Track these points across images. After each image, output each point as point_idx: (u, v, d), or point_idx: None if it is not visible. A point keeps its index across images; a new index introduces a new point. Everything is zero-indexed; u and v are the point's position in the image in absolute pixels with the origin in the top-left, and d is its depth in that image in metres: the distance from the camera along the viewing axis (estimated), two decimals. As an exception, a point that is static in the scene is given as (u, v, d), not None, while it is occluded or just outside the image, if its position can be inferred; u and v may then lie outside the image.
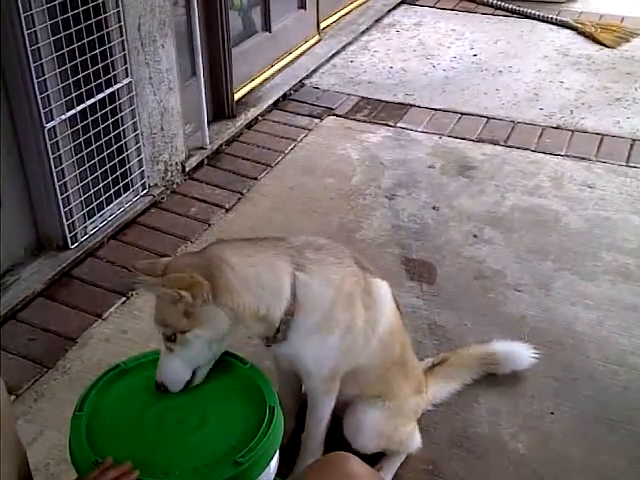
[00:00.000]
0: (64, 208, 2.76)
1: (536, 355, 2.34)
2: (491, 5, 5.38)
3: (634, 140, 3.72)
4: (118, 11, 2.78)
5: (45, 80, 2.56)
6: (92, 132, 2.82)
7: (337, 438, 1.97)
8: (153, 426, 1.50)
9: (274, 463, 1.51)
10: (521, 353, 2.35)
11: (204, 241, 3.02)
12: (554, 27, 5.08)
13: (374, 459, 2.02)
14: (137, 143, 3.06)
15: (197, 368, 1.59)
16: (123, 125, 2.97)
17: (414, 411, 2.08)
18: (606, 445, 2.18)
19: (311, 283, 1.65)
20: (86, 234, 2.90)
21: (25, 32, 2.44)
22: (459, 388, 2.30)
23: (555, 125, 3.88)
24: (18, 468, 1.33)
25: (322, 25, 4.76)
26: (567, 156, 3.62)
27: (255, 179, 3.44)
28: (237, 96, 3.88)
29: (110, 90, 2.85)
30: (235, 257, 1.60)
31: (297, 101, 4.14)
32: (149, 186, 3.20)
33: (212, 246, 1.67)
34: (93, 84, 2.76)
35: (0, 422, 1.24)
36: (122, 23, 2.82)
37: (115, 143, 2.95)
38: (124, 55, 2.87)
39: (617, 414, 2.28)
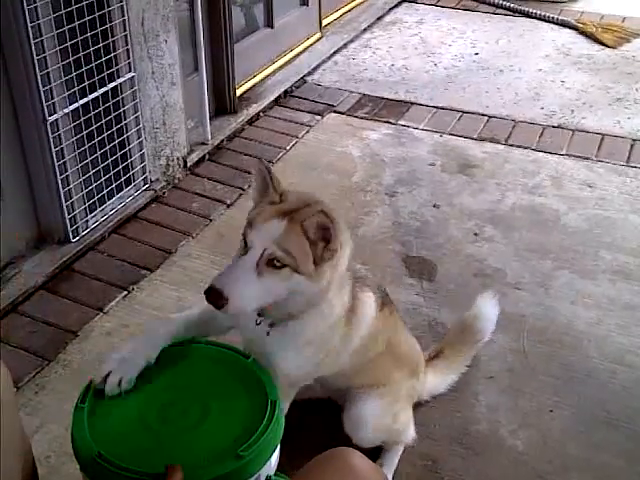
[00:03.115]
0: (66, 202, 2.77)
1: (495, 296, 2.35)
2: (493, 4, 5.38)
3: (634, 140, 3.73)
4: (121, 5, 2.78)
5: (48, 73, 2.56)
6: (94, 126, 2.82)
7: (338, 434, 1.98)
8: (155, 419, 1.50)
9: (275, 457, 1.52)
10: (486, 303, 2.35)
11: (205, 236, 3.04)
12: (555, 27, 5.08)
13: (374, 455, 2.03)
14: (139, 138, 3.06)
15: (262, 303, 1.54)
16: (125, 119, 2.97)
17: (409, 395, 2.08)
18: (604, 443, 2.20)
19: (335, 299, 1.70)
20: (87, 228, 2.90)
21: (29, 25, 2.44)
22: (456, 378, 2.32)
23: (556, 124, 3.89)
24: (23, 459, 1.33)
25: (324, 22, 4.76)
26: (568, 155, 3.63)
27: (256, 175, 3.44)
28: (239, 92, 3.88)
29: (113, 84, 2.85)
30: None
31: (298, 98, 4.14)
32: (150, 181, 3.20)
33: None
34: (96, 78, 2.77)
35: (5, 412, 1.25)
36: (125, 17, 2.82)
37: (117, 137, 2.95)
38: (127, 49, 2.87)
39: (616, 413, 2.29)
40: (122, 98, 2.92)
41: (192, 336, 1.69)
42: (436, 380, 2.26)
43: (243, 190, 3.33)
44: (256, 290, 1.50)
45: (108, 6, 2.74)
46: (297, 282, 1.52)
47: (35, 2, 2.45)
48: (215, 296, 1.46)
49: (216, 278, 1.49)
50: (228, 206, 3.23)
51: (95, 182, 2.90)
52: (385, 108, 4.05)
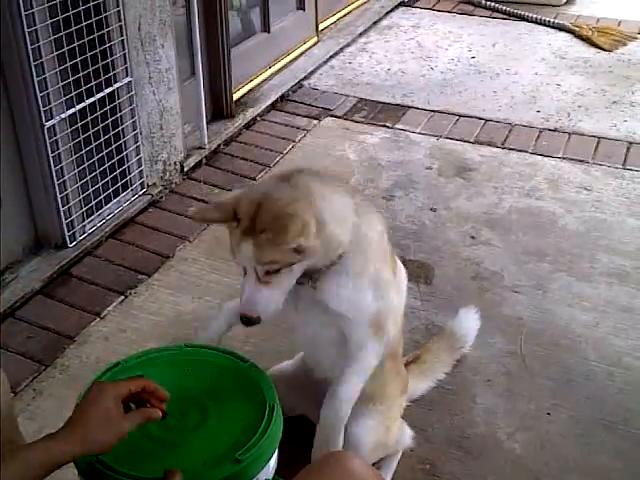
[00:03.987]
0: (63, 207, 2.77)
1: (478, 311, 2.40)
2: (489, 8, 5.40)
3: (631, 143, 3.74)
4: (118, 10, 2.79)
5: (45, 79, 2.56)
6: (91, 131, 2.82)
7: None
8: (154, 424, 1.49)
9: (273, 461, 1.51)
10: (467, 317, 2.39)
11: (202, 240, 3.04)
12: (551, 30, 5.10)
13: (372, 458, 2.03)
14: (136, 142, 3.06)
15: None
16: (122, 124, 2.97)
17: (399, 411, 2.07)
18: (602, 446, 2.20)
19: (361, 226, 1.65)
20: (84, 233, 2.90)
21: (26, 30, 2.44)
22: (433, 385, 2.32)
23: (552, 128, 3.90)
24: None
25: (320, 26, 4.77)
26: (564, 158, 3.64)
27: (253, 179, 3.45)
28: (236, 96, 3.88)
29: (110, 89, 2.85)
30: (322, 189, 1.60)
31: (295, 102, 4.15)
32: (148, 185, 3.20)
33: (300, 178, 1.61)
34: (93, 83, 2.77)
35: (3, 418, 1.25)
36: (122, 22, 2.82)
37: (114, 142, 2.95)
38: (124, 54, 2.88)
39: (613, 415, 2.29)
40: (119, 103, 2.92)
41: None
42: (411, 385, 2.21)
43: (240, 194, 3.33)
44: (274, 295, 1.57)
45: (105, 11, 2.74)
46: (301, 265, 1.57)
47: (32, 8, 2.45)
48: (250, 321, 1.58)
49: (242, 306, 1.59)
50: (225, 210, 3.22)
51: (92, 187, 2.90)
52: (382, 112, 4.06)
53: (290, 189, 1.57)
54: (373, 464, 2.01)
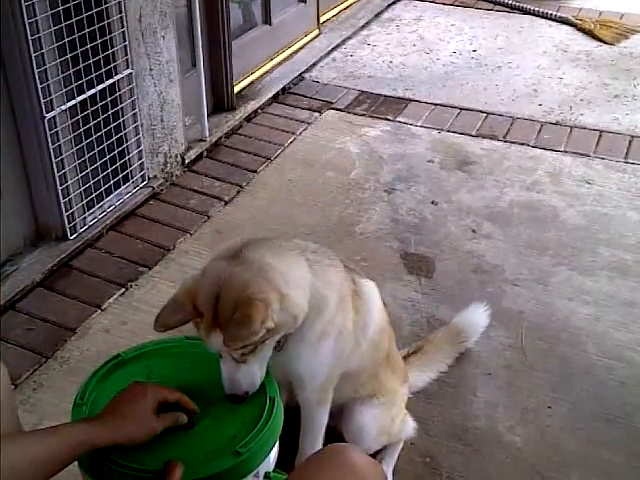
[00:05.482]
0: (63, 199, 2.76)
1: (488, 309, 2.40)
2: (491, 1, 5.37)
3: (633, 136, 3.73)
4: (119, 2, 2.78)
5: (46, 70, 2.55)
6: (92, 123, 2.81)
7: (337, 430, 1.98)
8: (153, 416, 1.50)
9: (274, 453, 1.51)
10: (476, 313, 2.39)
11: (203, 233, 3.03)
12: (553, 23, 5.08)
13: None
14: (137, 134, 3.06)
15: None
16: (123, 116, 2.96)
17: (403, 400, 2.09)
18: (603, 439, 2.20)
19: (317, 285, 1.61)
20: (85, 225, 2.90)
21: (26, 21, 2.43)
22: (434, 376, 2.32)
23: (554, 121, 3.89)
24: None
25: (322, 19, 4.76)
26: (566, 152, 3.63)
27: (254, 172, 3.44)
28: (237, 89, 3.87)
29: (110, 81, 2.85)
30: (276, 260, 1.55)
31: (297, 94, 4.14)
32: (148, 178, 3.19)
33: (249, 252, 1.56)
34: (94, 75, 2.76)
35: (3, 410, 1.25)
36: (123, 14, 2.81)
37: (115, 134, 2.94)
38: (125, 46, 2.87)
39: (614, 409, 2.29)
40: (120, 95, 2.92)
41: None
42: (413, 377, 2.24)
43: (241, 187, 3.33)
44: (254, 369, 1.54)
45: (105, 3, 2.73)
46: (273, 340, 1.54)
47: (33, -1, 2.44)
48: (237, 398, 1.53)
49: (226, 389, 1.54)
50: (226, 203, 3.22)
51: (93, 179, 2.89)
52: (383, 105, 4.05)
53: (243, 269, 1.50)
54: (375, 453, 2.02)
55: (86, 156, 2.83)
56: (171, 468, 1.31)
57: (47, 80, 2.57)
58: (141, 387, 1.41)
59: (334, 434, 1.94)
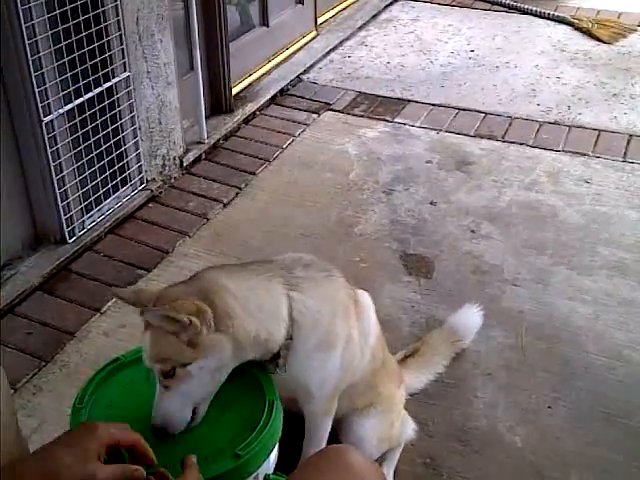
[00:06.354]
0: (62, 202, 2.76)
1: (481, 309, 2.40)
2: (488, 1, 5.38)
3: (631, 135, 3.73)
4: (116, 5, 2.78)
5: (43, 74, 2.55)
6: (90, 126, 2.81)
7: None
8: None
9: (273, 456, 1.51)
10: (468, 313, 2.40)
11: (202, 235, 3.03)
12: (551, 23, 5.08)
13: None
14: (135, 137, 3.06)
15: (198, 404, 1.47)
16: (121, 119, 2.96)
17: (401, 401, 2.09)
18: (603, 439, 2.20)
19: (307, 301, 1.59)
20: (84, 228, 2.90)
21: (23, 25, 2.43)
22: (432, 378, 2.32)
23: (552, 120, 3.89)
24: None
25: (319, 20, 4.76)
26: (564, 151, 3.63)
27: (253, 174, 3.44)
28: (235, 91, 3.87)
29: (108, 84, 2.85)
30: (231, 281, 1.52)
31: (295, 96, 4.14)
32: (147, 180, 3.19)
33: (204, 273, 1.56)
34: (91, 78, 2.76)
35: (2, 414, 1.24)
36: (120, 17, 2.81)
37: (113, 137, 2.94)
38: (122, 49, 2.87)
39: (614, 408, 2.29)
40: (117, 98, 2.92)
41: None
42: (410, 379, 2.23)
43: (240, 189, 3.33)
44: (173, 404, 1.45)
45: (102, 6, 2.73)
46: (200, 367, 1.44)
47: (29, 2, 2.44)
48: (156, 431, 1.44)
49: (152, 417, 1.46)
50: (225, 205, 3.22)
51: (91, 182, 2.89)
52: (381, 106, 4.05)
53: (191, 284, 1.51)
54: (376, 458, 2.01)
55: (84, 159, 2.83)
56: (187, 464, 1.27)
57: (44, 84, 2.57)
58: (89, 427, 1.19)
59: (334, 435, 1.93)
